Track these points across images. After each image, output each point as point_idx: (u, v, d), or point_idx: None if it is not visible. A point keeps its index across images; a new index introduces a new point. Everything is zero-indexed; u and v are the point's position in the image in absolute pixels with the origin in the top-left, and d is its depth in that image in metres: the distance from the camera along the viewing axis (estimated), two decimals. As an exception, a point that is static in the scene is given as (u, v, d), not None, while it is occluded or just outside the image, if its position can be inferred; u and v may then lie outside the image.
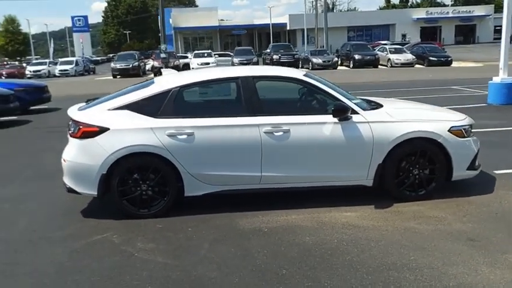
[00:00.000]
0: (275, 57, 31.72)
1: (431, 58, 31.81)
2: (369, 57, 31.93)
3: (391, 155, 5.19)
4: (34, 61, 50.08)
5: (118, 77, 31.78)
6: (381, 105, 5.65)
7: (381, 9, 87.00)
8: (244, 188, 5.20)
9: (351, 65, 32.25)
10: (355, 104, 5.29)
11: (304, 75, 5.41)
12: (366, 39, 59.42)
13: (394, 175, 5.27)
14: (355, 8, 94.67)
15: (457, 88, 16.88)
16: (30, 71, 42.76)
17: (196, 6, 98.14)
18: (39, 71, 42.69)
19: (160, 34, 19.13)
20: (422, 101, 8.09)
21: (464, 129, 5.36)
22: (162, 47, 19.36)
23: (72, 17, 76.44)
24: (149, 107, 5.11)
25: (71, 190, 5.12)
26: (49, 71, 42.91)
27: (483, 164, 5.72)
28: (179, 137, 4.97)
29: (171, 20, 63.77)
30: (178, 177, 5.06)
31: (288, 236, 4.51)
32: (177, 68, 31.59)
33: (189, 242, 4.47)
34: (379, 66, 32.13)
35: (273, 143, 5.05)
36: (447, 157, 5.27)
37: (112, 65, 33.35)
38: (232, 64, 31.82)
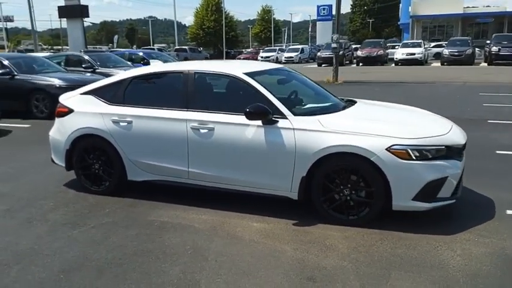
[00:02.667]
0: (494, 49, 27.71)
1: None
2: None
3: (316, 168, 4.54)
4: (266, 48, 54.74)
5: (323, 65, 32.51)
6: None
7: None
8: (176, 180, 5.26)
9: None
10: (289, 108, 4.74)
11: (246, 73, 5.06)
12: None
13: (321, 192, 4.60)
14: None
15: None
16: (262, 57, 47.21)
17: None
18: (268, 57, 46.74)
19: (333, 21, 18.64)
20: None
21: (412, 149, 4.28)
22: (334, 37, 19.06)
23: (318, 6, 79.83)
24: (107, 94, 5.60)
25: (52, 160, 6.00)
26: (277, 58, 46.49)
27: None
28: (121, 123, 5.34)
29: (410, 8, 61.17)
30: (122, 161, 5.43)
31: (161, 233, 4.47)
32: (379, 58, 30.65)
33: (83, 220, 4.84)
34: None
35: (198, 139, 4.98)
36: (386, 181, 4.34)
37: (318, 53, 34.28)
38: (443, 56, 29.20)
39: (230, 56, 56.51)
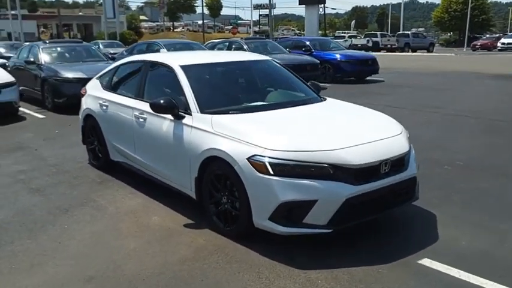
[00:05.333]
0: None
1: None
2: None
3: (205, 170, 4.30)
4: (510, 33, 47.86)
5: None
6: None
7: None
8: (131, 164, 5.56)
9: None
10: (202, 105, 4.51)
11: (182, 65, 4.92)
12: None
13: (208, 196, 4.34)
14: None
15: None
16: (503, 44, 41.99)
17: None
18: (510, 43, 41.30)
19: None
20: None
21: (272, 163, 3.65)
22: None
23: None
24: (104, 80, 6.21)
25: (81, 132, 6.93)
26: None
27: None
28: (103, 107, 5.90)
29: None
30: (105, 141, 6.00)
31: (73, 209, 4.87)
32: None
33: (49, 187, 5.57)
34: None
35: (138, 128, 5.18)
36: (247, 194, 3.87)
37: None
38: None
39: (471, 41, 51.11)
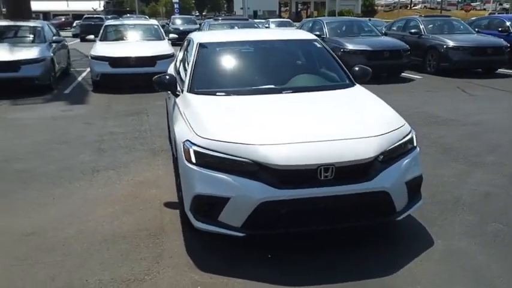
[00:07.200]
0: None
1: None
2: None
3: (177, 151, 4.22)
4: None
5: None
6: None
7: None
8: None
9: None
10: (191, 82, 4.36)
11: (202, 42, 4.74)
12: None
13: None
14: None
15: None
16: None
17: None
18: None
19: None
20: None
21: (196, 151, 3.34)
22: None
23: None
24: (178, 55, 6.47)
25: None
26: None
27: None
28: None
29: None
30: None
31: (95, 173, 5.32)
32: None
33: (110, 151, 6.17)
34: None
35: (169, 103, 5.30)
36: (185, 181, 3.68)
37: None
38: None
39: None
